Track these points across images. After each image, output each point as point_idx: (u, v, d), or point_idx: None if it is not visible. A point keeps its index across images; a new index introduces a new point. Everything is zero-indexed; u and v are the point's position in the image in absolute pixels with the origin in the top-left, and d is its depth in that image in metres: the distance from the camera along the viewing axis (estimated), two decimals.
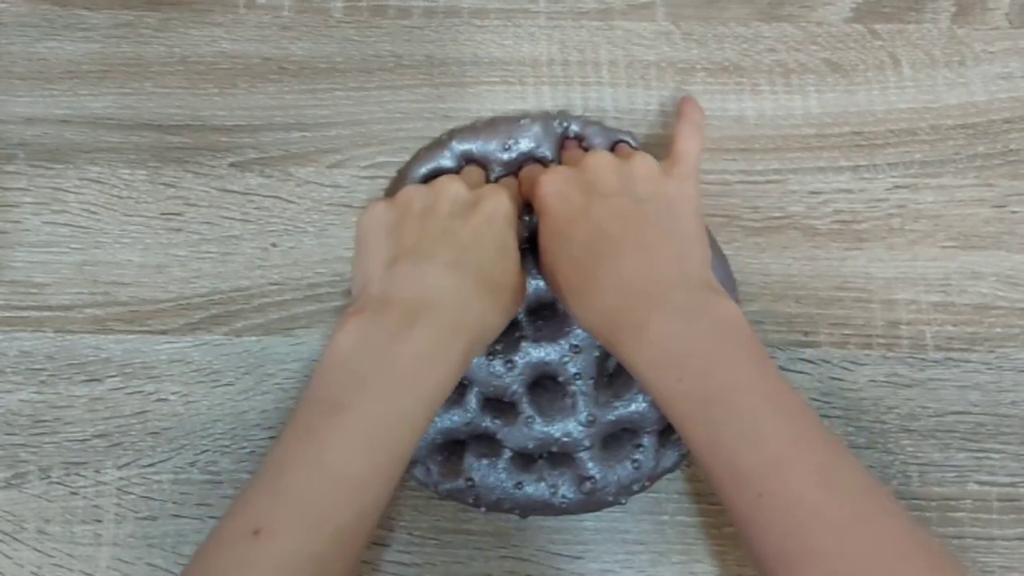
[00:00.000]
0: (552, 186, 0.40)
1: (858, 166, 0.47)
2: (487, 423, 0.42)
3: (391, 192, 0.45)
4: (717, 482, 0.34)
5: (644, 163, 0.40)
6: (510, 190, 0.42)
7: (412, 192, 0.40)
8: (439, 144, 0.45)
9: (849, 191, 0.46)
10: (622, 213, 0.38)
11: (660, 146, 0.46)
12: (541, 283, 0.43)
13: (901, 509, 0.33)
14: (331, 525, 0.32)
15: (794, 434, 0.33)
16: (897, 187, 0.46)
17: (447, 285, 0.37)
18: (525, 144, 0.45)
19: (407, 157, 0.46)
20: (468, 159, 0.45)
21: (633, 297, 0.36)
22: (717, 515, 0.43)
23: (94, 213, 0.46)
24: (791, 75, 0.48)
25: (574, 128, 0.45)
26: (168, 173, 0.46)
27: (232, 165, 0.46)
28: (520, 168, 0.45)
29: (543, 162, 0.45)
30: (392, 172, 0.46)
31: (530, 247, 0.43)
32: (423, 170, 0.45)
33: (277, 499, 0.32)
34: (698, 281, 0.37)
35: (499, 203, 0.40)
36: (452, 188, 0.40)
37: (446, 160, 0.45)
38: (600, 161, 0.40)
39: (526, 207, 0.44)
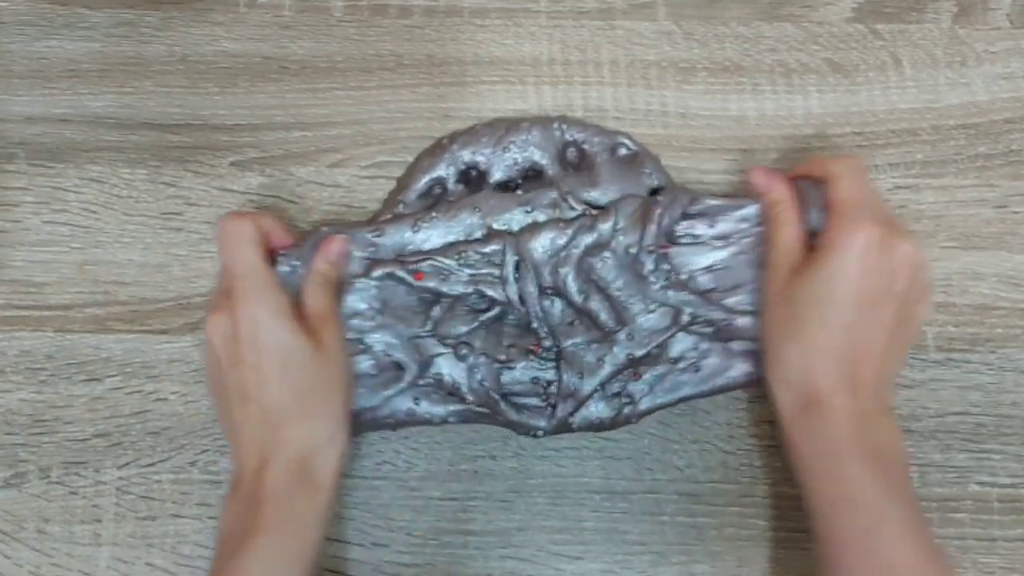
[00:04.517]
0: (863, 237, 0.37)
1: None
2: None
3: (388, 203, 0.45)
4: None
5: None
6: (260, 274, 0.39)
7: (207, 343, 0.39)
8: (440, 148, 0.45)
9: None
10: (898, 314, 0.37)
11: (658, 146, 0.46)
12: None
13: None
14: None
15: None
16: (898, 187, 0.46)
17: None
18: (525, 148, 0.45)
19: (408, 157, 0.46)
20: (468, 166, 0.45)
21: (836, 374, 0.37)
22: (717, 516, 0.43)
23: (94, 212, 0.46)
24: (792, 75, 0.48)
25: (574, 132, 0.45)
26: (168, 172, 0.46)
27: (232, 164, 0.46)
28: (522, 174, 0.45)
29: (542, 170, 0.45)
30: (392, 172, 0.46)
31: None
32: (424, 180, 0.44)
33: None
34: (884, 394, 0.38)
35: (254, 313, 0.37)
36: (211, 335, 0.38)
37: (442, 170, 0.44)
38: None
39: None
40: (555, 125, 0.45)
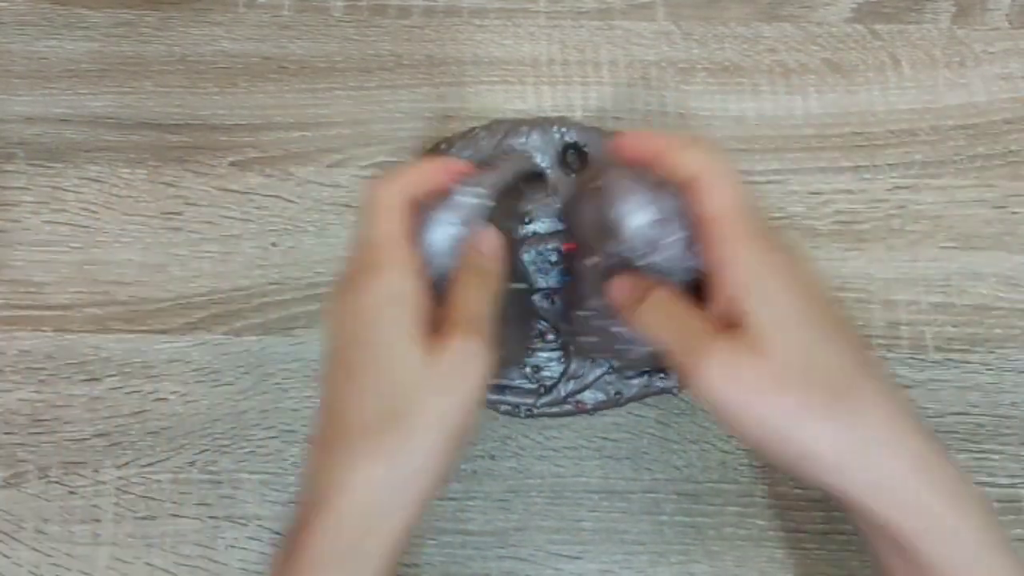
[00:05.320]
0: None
1: (858, 166, 0.47)
2: None
3: None
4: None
5: None
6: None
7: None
8: (436, 155, 0.45)
9: (849, 191, 0.46)
10: None
11: None
12: None
13: None
14: None
15: None
16: (897, 188, 0.46)
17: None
18: (525, 152, 0.44)
19: (408, 157, 0.46)
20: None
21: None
22: (715, 515, 0.43)
23: (94, 212, 0.46)
24: (791, 75, 0.48)
25: (573, 135, 0.45)
26: (168, 172, 0.46)
27: (232, 164, 0.46)
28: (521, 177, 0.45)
29: (540, 172, 0.45)
30: None
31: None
32: None
33: None
34: None
35: (367, 294, 0.29)
36: (324, 320, 0.32)
37: None
38: None
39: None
40: (554, 128, 0.45)
